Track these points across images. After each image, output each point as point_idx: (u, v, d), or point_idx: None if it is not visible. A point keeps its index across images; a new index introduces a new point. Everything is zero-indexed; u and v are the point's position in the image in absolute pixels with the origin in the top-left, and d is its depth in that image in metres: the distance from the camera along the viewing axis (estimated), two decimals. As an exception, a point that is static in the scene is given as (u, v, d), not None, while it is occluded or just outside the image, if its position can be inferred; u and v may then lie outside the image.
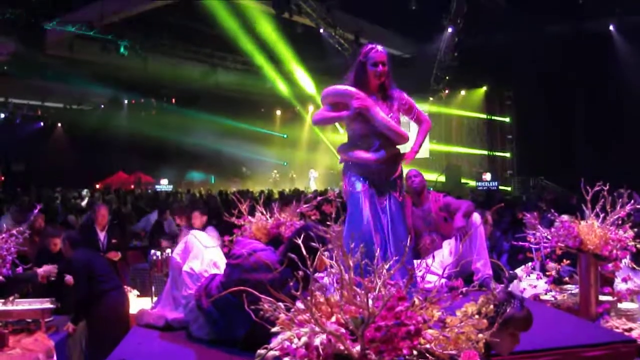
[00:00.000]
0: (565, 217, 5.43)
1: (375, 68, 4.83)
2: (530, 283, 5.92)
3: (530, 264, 5.95)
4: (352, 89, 4.86)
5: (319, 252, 2.43)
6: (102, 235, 8.35)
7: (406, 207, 5.46)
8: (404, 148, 5.11)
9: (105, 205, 9.99)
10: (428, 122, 5.22)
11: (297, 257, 2.45)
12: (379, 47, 4.88)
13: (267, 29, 22.39)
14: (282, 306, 2.32)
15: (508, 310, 2.54)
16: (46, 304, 5.20)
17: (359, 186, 4.86)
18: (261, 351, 2.21)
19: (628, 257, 5.73)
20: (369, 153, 4.88)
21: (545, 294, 5.58)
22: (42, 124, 32.97)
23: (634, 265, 5.37)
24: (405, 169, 5.50)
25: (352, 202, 4.86)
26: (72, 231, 6.68)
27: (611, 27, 22.72)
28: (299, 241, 2.60)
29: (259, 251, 3.77)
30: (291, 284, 2.23)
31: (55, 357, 4.77)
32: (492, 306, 2.50)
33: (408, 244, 2.62)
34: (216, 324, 3.78)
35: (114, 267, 8.01)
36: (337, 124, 30.84)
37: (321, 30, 22.87)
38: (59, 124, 33.36)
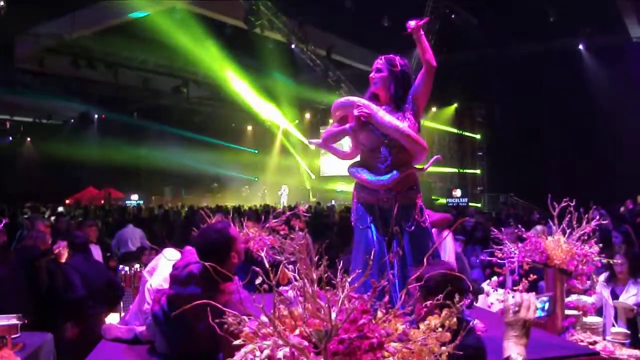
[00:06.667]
0: (539, 227, 5.52)
1: (370, 75, 4.62)
2: (497, 297, 5.95)
3: (495, 278, 5.99)
4: (354, 98, 4.59)
5: (281, 265, 2.44)
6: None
7: (425, 239, 4.54)
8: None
9: (94, 221, 10.40)
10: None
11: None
12: (381, 56, 4.64)
13: (238, 44, 22.37)
14: (246, 319, 2.31)
15: None
16: (13, 320, 5.11)
17: (365, 220, 4.53)
18: (225, 365, 2.21)
19: (604, 275, 5.87)
20: (375, 176, 4.48)
21: (513, 308, 5.60)
22: (10, 138, 32.67)
23: (597, 279, 5.46)
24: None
25: (356, 238, 4.59)
26: None
27: (581, 46, 23.09)
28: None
29: (192, 264, 3.74)
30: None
31: (22, 374, 4.71)
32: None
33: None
34: (172, 337, 3.76)
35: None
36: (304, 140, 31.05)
37: (293, 46, 22.91)
38: (28, 139, 33.04)
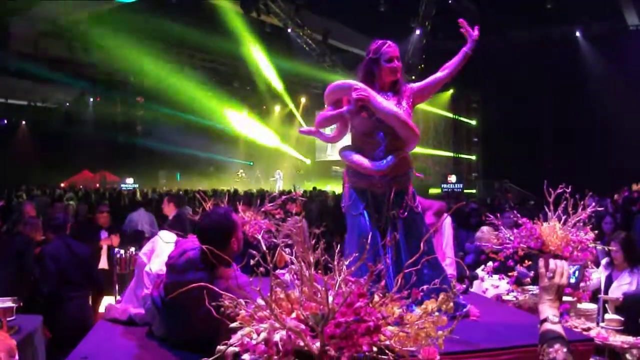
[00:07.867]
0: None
1: (390, 64, 4.46)
2: (492, 283, 5.96)
3: (490, 264, 5.99)
4: (351, 81, 4.48)
5: (278, 248, 2.44)
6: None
7: (419, 225, 4.54)
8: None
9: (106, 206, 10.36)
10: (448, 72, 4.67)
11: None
12: (390, 43, 4.52)
13: (235, 28, 22.32)
14: (243, 302, 2.31)
15: None
16: (8, 302, 5.09)
17: (358, 206, 4.47)
18: (221, 347, 2.20)
19: (606, 260, 5.89)
20: (370, 161, 4.41)
21: (508, 294, 5.62)
22: (5, 121, 32.54)
23: (593, 266, 5.46)
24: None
25: (349, 224, 4.54)
26: None
27: (577, 34, 23.07)
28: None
29: (189, 250, 3.73)
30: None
31: (17, 357, 4.69)
32: None
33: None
34: (171, 323, 3.76)
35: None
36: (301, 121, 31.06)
37: (289, 30, 22.85)
38: (23, 122, 32.87)
